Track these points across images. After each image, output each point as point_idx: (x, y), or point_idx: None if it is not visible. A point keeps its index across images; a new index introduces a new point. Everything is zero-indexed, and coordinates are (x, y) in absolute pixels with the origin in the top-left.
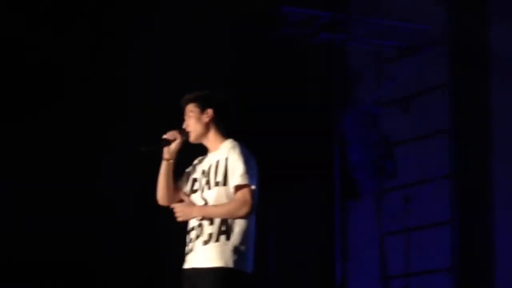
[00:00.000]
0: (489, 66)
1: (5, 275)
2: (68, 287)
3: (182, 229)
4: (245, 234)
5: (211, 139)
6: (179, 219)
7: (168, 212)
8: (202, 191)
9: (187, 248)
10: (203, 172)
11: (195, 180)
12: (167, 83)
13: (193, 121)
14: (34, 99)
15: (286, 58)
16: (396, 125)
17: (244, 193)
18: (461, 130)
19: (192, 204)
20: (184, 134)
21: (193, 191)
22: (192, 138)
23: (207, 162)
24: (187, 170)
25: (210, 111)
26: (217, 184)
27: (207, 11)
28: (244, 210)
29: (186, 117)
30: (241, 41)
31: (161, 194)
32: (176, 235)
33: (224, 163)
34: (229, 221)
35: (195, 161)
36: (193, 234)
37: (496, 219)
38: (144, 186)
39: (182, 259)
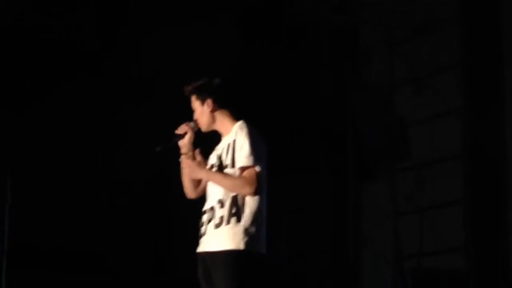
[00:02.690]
0: (502, 45)
1: (17, 261)
2: (80, 270)
3: (194, 211)
4: (256, 216)
5: (221, 125)
6: (185, 170)
7: (181, 195)
8: None
9: (200, 232)
10: (218, 157)
11: (212, 166)
12: (178, 68)
13: (199, 113)
14: (40, 85)
15: (297, 41)
16: (408, 106)
17: (249, 173)
18: (474, 109)
19: (203, 164)
20: (195, 126)
21: None
22: (203, 128)
23: (221, 147)
24: (210, 156)
25: (209, 102)
26: (226, 166)
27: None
28: (248, 189)
29: (193, 108)
30: (252, 25)
31: (188, 188)
32: (189, 218)
33: (232, 145)
34: (240, 203)
35: (214, 148)
36: (205, 218)
37: (509, 198)
38: (155, 169)
39: (194, 242)
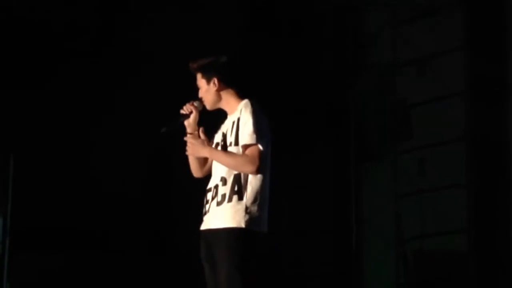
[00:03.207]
0: (507, 28)
1: (21, 242)
2: (81, 249)
3: (196, 190)
4: (258, 195)
5: (227, 104)
6: (187, 152)
7: (182, 174)
8: None
9: (204, 210)
10: (223, 135)
11: (217, 144)
12: (180, 48)
13: (204, 92)
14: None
15: (299, 22)
16: (411, 87)
17: (251, 151)
18: (477, 92)
19: (206, 143)
20: (200, 105)
21: None
22: (208, 107)
23: (226, 125)
24: (215, 135)
25: (215, 80)
26: (230, 144)
27: None
28: (250, 168)
29: (198, 86)
30: (256, 5)
31: (194, 167)
32: (190, 196)
33: (237, 123)
34: (242, 181)
35: (219, 126)
36: (209, 196)
37: (511, 181)
38: (157, 148)
39: (196, 223)
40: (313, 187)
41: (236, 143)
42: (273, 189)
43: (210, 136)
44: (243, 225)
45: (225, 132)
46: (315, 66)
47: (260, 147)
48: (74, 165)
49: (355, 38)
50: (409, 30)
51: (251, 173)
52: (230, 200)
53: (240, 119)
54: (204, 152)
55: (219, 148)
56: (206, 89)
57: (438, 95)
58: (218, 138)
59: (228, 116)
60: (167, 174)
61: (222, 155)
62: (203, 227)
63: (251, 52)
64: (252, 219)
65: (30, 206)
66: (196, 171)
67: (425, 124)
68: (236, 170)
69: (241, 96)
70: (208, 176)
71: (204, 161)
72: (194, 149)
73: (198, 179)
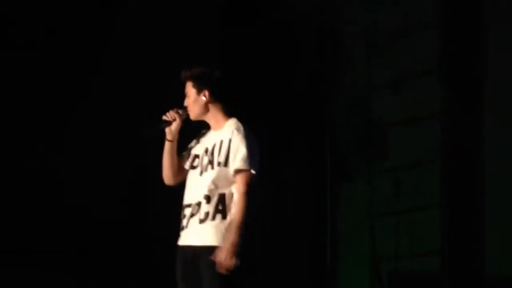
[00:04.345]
0: (482, 48)
1: None
2: (56, 264)
3: (171, 204)
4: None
5: (212, 118)
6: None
7: (159, 187)
8: (205, 169)
9: (181, 224)
10: (206, 150)
11: (196, 156)
12: (156, 59)
13: (191, 102)
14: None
15: (277, 39)
16: (387, 108)
17: (243, 177)
18: (453, 112)
19: (225, 250)
20: (184, 113)
21: (193, 167)
22: (192, 117)
23: (211, 141)
24: (190, 145)
25: (206, 93)
26: (219, 164)
27: None
28: (249, 197)
29: (186, 94)
30: (232, 21)
31: (166, 174)
32: (166, 210)
33: (227, 144)
34: (227, 201)
35: (198, 136)
36: (187, 211)
37: (486, 201)
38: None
39: (170, 234)
40: (288, 205)
41: (226, 165)
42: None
43: (185, 144)
44: None
45: (209, 148)
46: (290, 85)
47: (253, 171)
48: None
49: (331, 58)
50: (385, 50)
51: (250, 200)
52: (213, 218)
53: (231, 141)
54: (230, 252)
55: (199, 162)
56: (195, 99)
57: (414, 115)
58: (198, 150)
59: (212, 131)
60: (144, 190)
61: (234, 229)
62: (182, 242)
63: (225, 67)
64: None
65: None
66: (168, 178)
67: (400, 144)
68: (247, 211)
69: (227, 113)
70: (182, 189)
71: (179, 170)
72: (228, 261)
73: (175, 196)
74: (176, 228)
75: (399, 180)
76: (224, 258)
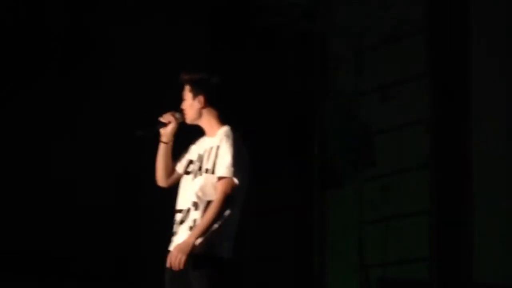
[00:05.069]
0: (470, 54)
1: None
2: (41, 274)
3: (163, 211)
4: (229, 221)
5: (206, 124)
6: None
7: (151, 192)
8: (195, 175)
9: (173, 229)
10: (199, 156)
11: (191, 161)
12: (145, 67)
13: (188, 105)
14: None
15: (265, 46)
16: (375, 114)
17: (224, 184)
18: (440, 119)
19: (178, 246)
20: (180, 116)
21: (187, 172)
22: (188, 120)
23: (203, 147)
24: (186, 150)
25: (201, 98)
26: (206, 171)
27: None
28: (224, 206)
29: (183, 97)
30: (220, 28)
31: (160, 176)
32: (157, 217)
33: (215, 151)
34: None
35: (195, 142)
36: (178, 217)
37: (475, 209)
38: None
39: (160, 246)
40: (276, 212)
41: (213, 172)
42: None
43: (180, 150)
44: (214, 251)
45: (201, 153)
46: (278, 92)
47: (236, 180)
48: (32, 184)
49: (319, 64)
50: (373, 56)
51: (228, 208)
52: None
53: (219, 147)
54: (188, 246)
55: (192, 168)
56: (190, 104)
57: (402, 122)
58: (192, 155)
59: (206, 137)
60: (135, 195)
61: (201, 227)
62: (172, 248)
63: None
64: (222, 245)
65: None
66: (161, 180)
67: (388, 151)
68: (220, 218)
69: (222, 119)
70: (174, 193)
71: (171, 172)
72: (179, 258)
73: (165, 200)
74: (167, 230)
75: (386, 186)
76: (175, 255)
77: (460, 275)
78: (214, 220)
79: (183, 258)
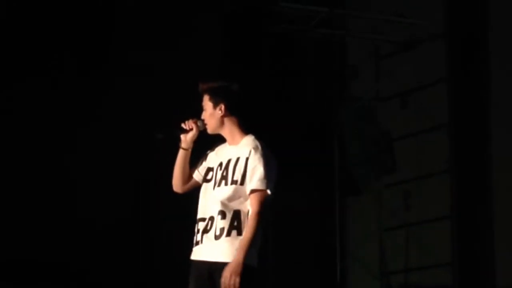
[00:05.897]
0: (489, 59)
1: None
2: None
3: (174, 219)
4: (256, 231)
5: (228, 133)
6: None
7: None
8: (218, 184)
9: (195, 239)
10: (221, 164)
11: (210, 169)
12: (162, 74)
13: (208, 115)
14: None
15: (284, 53)
16: (394, 120)
17: (258, 198)
18: (460, 124)
19: (230, 268)
20: (202, 125)
21: (206, 180)
22: (209, 130)
23: (226, 155)
24: (203, 157)
25: (222, 107)
26: (235, 182)
27: (205, 3)
28: (263, 217)
29: (203, 107)
30: (239, 36)
31: (176, 182)
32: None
33: (244, 162)
34: (242, 217)
35: (213, 149)
36: (201, 225)
37: (495, 213)
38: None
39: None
40: (298, 220)
41: (242, 183)
42: None
43: (198, 156)
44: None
45: (224, 162)
46: (297, 99)
47: (269, 192)
48: (44, 192)
49: (339, 71)
50: (392, 63)
51: (263, 219)
52: (228, 234)
53: (249, 159)
54: (238, 265)
55: (213, 175)
56: (211, 113)
57: (422, 127)
58: (212, 163)
59: (228, 145)
60: (149, 206)
61: (245, 243)
62: (196, 257)
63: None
64: (250, 253)
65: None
66: (177, 185)
67: (409, 157)
68: (259, 230)
69: (243, 128)
70: (193, 201)
71: (188, 178)
72: (234, 277)
73: (180, 213)
74: (181, 238)
75: (408, 193)
76: (228, 277)
77: (482, 280)
78: (256, 233)
79: (237, 280)
